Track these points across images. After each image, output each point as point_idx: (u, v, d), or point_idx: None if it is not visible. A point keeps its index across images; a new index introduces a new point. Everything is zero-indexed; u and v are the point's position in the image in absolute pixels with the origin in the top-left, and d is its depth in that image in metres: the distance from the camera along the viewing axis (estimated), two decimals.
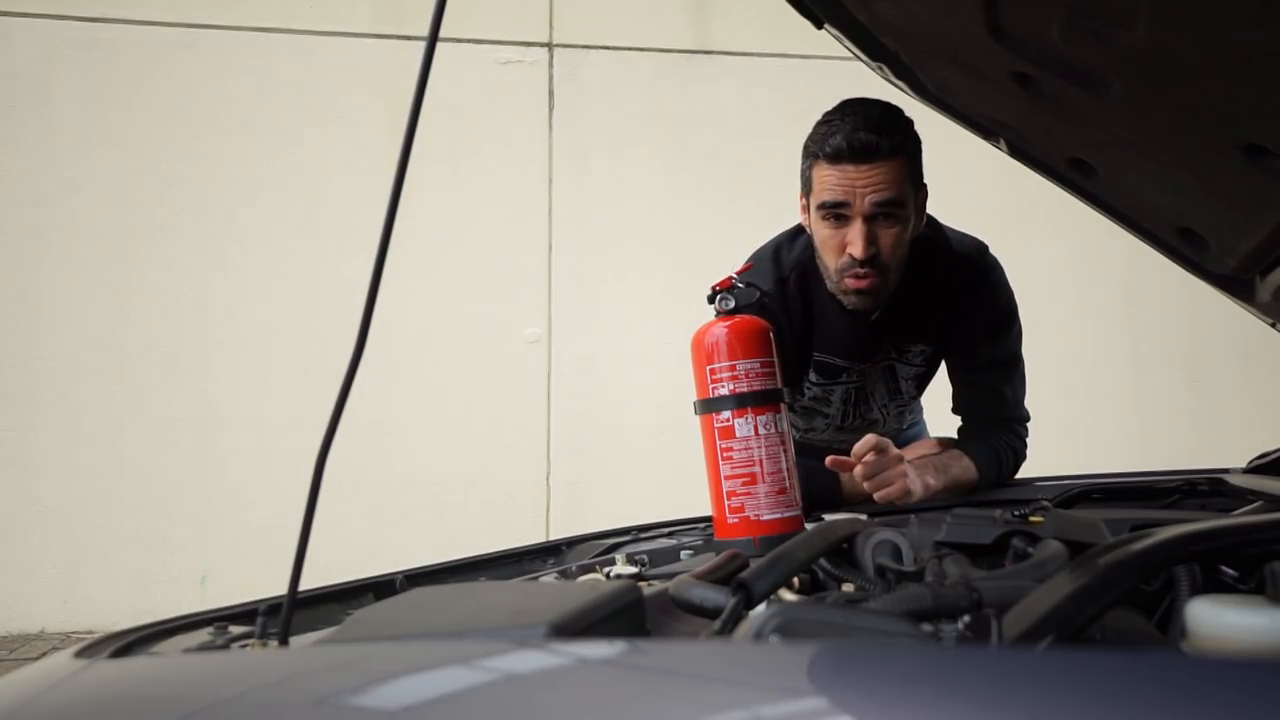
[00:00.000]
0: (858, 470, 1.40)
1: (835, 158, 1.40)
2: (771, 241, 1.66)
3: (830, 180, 1.42)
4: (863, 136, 1.38)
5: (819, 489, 1.47)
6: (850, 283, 1.47)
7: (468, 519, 4.13)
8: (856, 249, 1.42)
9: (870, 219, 1.42)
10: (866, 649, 0.55)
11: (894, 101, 1.41)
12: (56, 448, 4.02)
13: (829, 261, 1.49)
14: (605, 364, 4.37)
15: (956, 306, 1.59)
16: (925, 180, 1.51)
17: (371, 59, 4.36)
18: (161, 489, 4.04)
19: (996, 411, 1.62)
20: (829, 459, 1.41)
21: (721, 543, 1.20)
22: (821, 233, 1.48)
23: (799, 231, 1.62)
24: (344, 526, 3.72)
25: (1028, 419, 1.66)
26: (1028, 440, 1.64)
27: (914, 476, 1.42)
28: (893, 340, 1.63)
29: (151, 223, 4.16)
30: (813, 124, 1.48)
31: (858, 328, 1.58)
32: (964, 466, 1.52)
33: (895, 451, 1.42)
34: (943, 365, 1.72)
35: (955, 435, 1.65)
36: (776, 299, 1.56)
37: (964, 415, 1.67)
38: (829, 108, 1.47)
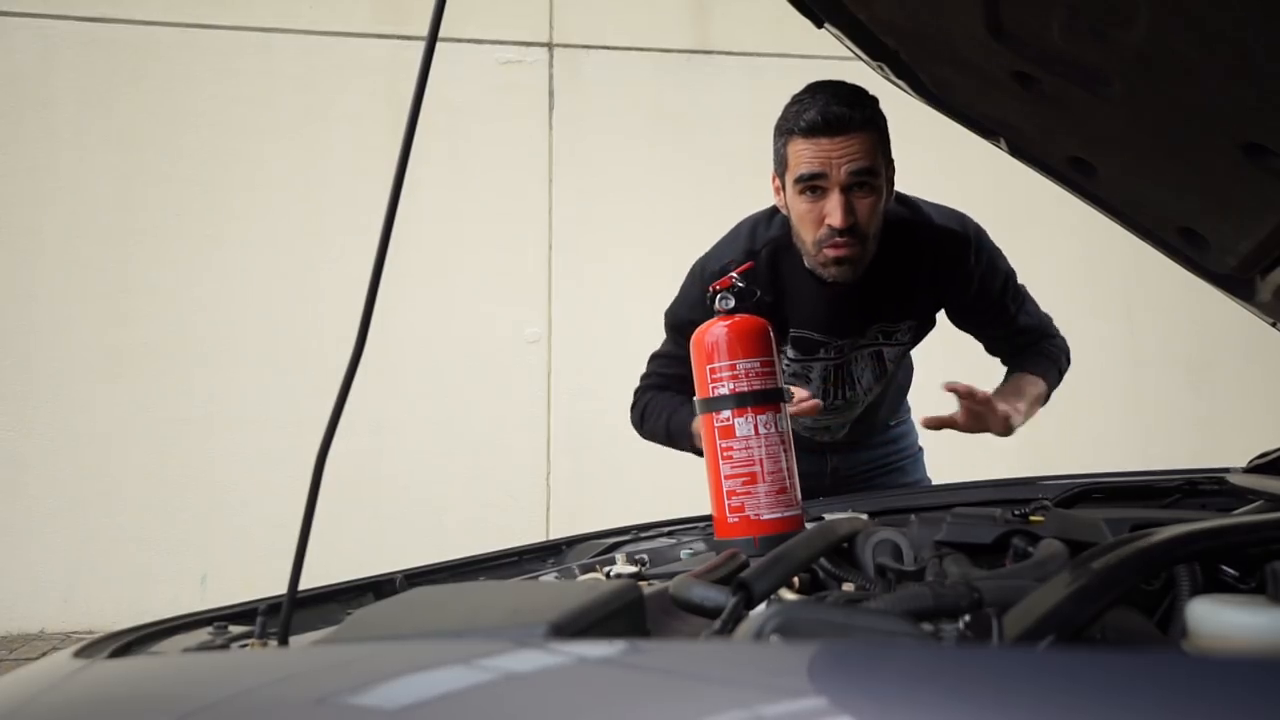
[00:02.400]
0: (959, 416, 1.53)
1: (810, 131, 1.44)
2: (749, 218, 1.71)
3: (807, 153, 1.46)
4: (836, 110, 1.43)
5: (676, 426, 1.68)
6: (829, 252, 1.51)
7: (468, 519, 4.12)
8: (835, 219, 1.46)
9: (847, 189, 1.46)
10: (866, 649, 0.55)
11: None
12: (56, 448, 4.02)
13: (807, 235, 1.53)
14: (605, 364, 4.36)
15: (960, 283, 1.65)
16: (893, 158, 1.55)
17: (372, 58, 4.36)
18: (161, 489, 4.04)
19: (1029, 339, 1.76)
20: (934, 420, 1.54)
21: (721, 542, 1.20)
22: (799, 207, 1.51)
23: (775, 210, 1.65)
24: (344, 526, 3.73)
25: (1057, 330, 1.80)
26: (1068, 347, 1.79)
27: (1005, 407, 1.57)
28: (878, 323, 1.67)
29: (151, 223, 4.16)
30: None
31: (833, 301, 1.61)
32: (1031, 381, 1.67)
33: (981, 393, 1.54)
34: (928, 340, 1.78)
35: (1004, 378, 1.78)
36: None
37: (1004, 355, 1.79)
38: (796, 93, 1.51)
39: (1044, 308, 1.82)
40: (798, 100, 1.49)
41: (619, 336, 4.37)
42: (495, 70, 4.45)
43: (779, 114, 1.53)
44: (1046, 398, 1.71)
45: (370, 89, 4.32)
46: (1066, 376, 1.80)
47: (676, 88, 4.58)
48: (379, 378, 4.02)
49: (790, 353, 1.69)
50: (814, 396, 1.75)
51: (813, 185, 1.47)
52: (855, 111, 1.44)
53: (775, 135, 1.53)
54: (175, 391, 4.09)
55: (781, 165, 1.53)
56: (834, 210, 1.46)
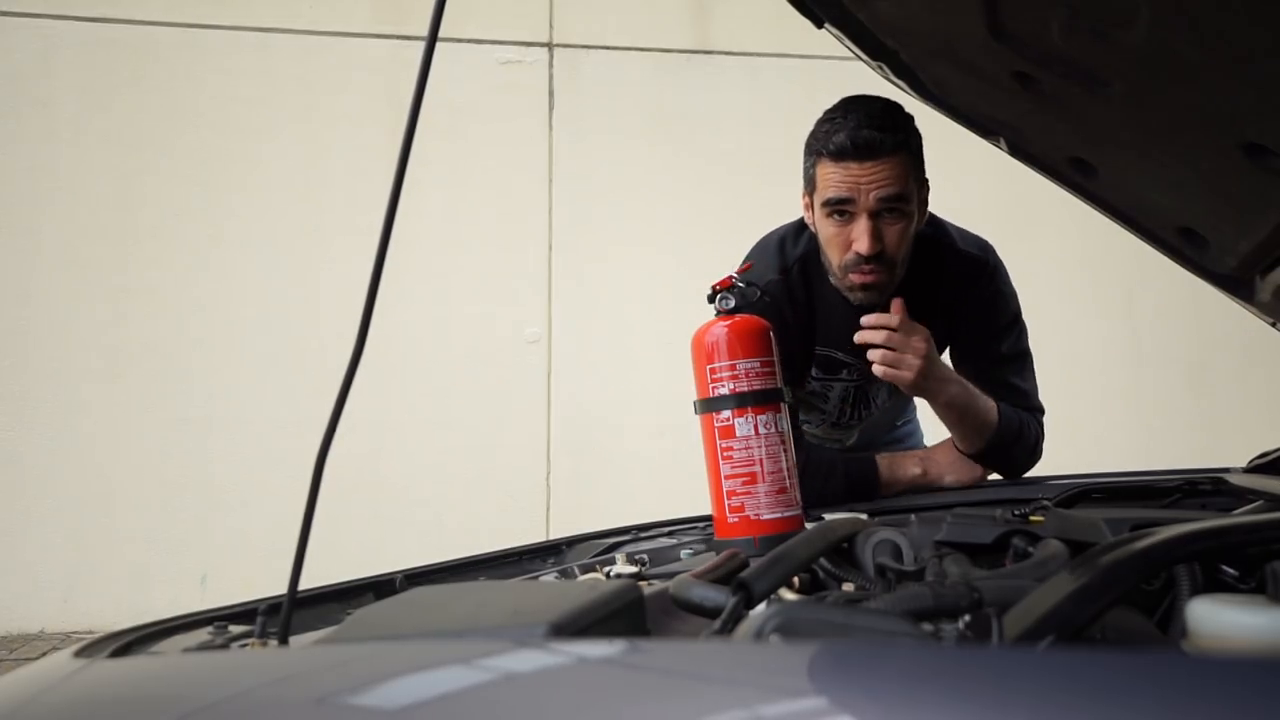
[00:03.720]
0: (875, 337, 1.43)
1: (839, 155, 1.40)
2: (776, 233, 1.66)
3: (834, 178, 1.42)
4: (866, 134, 1.38)
5: (859, 477, 1.50)
6: (855, 278, 1.47)
7: (468, 519, 4.12)
8: (862, 245, 1.42)
9: (875, 215, 1.42)
10: (866, 649, 0.55)
11: (894, 100, 1.41)
12: (56, 448, 4.02)
13: (833, 258, 1.49)
14: (605, 364, 4.37)
15: (964, 307, 1.59)
16: (926, 176, 1.51)
17: (372, 59, 4.36)
18: (161, 489, 4.04)
19: (1009, 398, 1.60)
20: (858, 336, 1.45)
21: (721, 542, 1.20)
22: (826, 230, 1.48)
23: (804, 225, 1.61)
24: (344, 527, 3.72)
25: (1042, 411, 1.65)
26: (1043, 432, 1.63)
27: (926, 368, 1.44)
28: None
29: (151, 223, 4.16)
30: (813, 123, 1.48)
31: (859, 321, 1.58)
32: (988, 404, 1.52)
33: (919, 339, 1.43)
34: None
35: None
36: (780, 288, 1.55)
37: None
38: (829, 106, 1.47)
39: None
40: (829, 119, 1.44)
41: (619, 336, 4.38)
42: (495, 70, 4.45)
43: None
44: (988, 427, 1.51)
45: (370, 89, 4.32)
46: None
47: (676, 88, 4.58)
48: (379, 378, 4.02)
49: (814, 370, 1.65)
50: (830, 415, 1.72)
51: (840, 209, 1.43)
52: (887, 135, 1.39)
53: (805, 153, 1.49)
54: (175, 391, 4.09)
55: (810, 185, 1.49)
56: (861, 236, 1.42)
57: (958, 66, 1.10)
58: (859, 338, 1.45)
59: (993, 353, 1.61)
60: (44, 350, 4.05)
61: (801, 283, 1.57)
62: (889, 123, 1.40)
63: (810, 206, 1.52)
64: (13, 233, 4.08)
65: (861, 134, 1.38)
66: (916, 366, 1.43)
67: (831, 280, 1.54)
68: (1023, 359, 1.64)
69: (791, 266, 1.58)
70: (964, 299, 1.58)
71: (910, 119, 1.44)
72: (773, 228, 1.69)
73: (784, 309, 1.53)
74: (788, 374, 1.60)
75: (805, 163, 1.50)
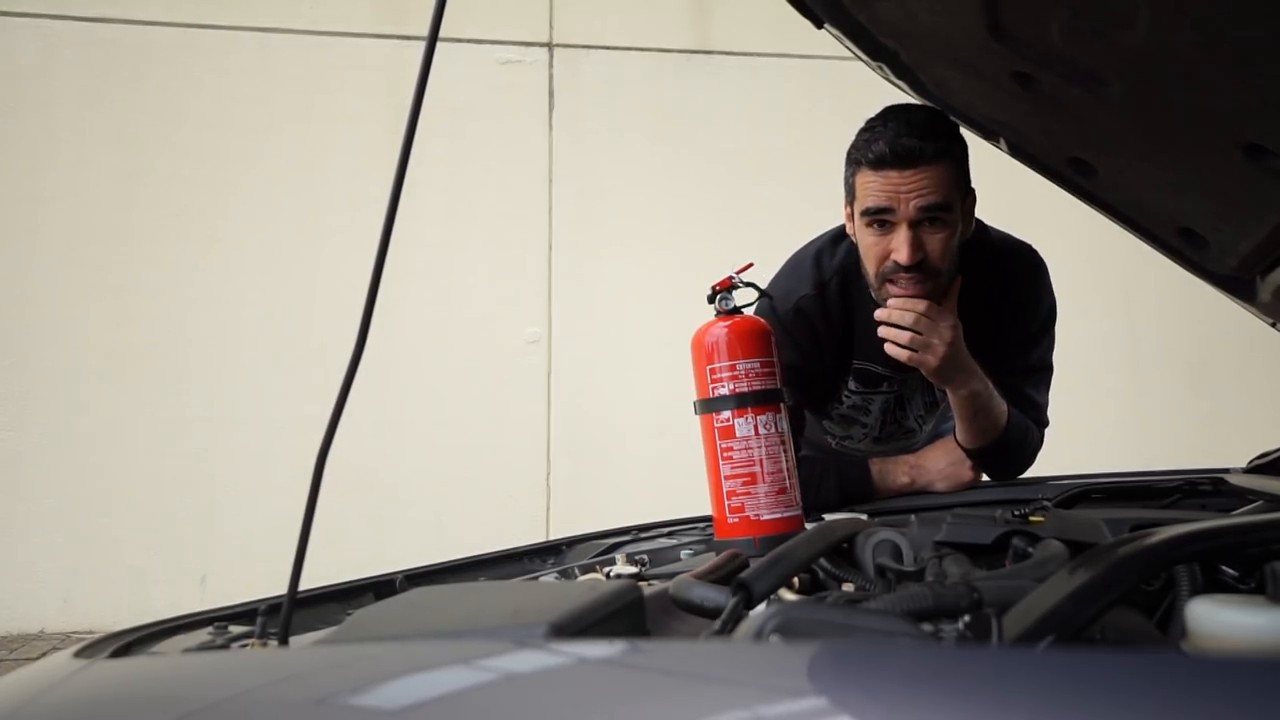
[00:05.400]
0: (903, 319, 1.39)
1: (878, 164, 1.37)
2: (812, 245, 1.63)
3: (874, 186, 1.39)
4: (906, 142, 1.35)
5: (852, 482, 1.49)
6: (894, 289, 1.43)
7: (468, 519, 4.13)
8: (902, 255, 1.39)
9: (915, 224, 1.38)
10: (866, 649, 0.55)
11: (937, 109, 1.40)
12: (56, 448, 4.02)
13: (871, 268, 1.46)
14: (605, 364, 4.37)
15: (1004, 306, 1.56)
16: (972, 186, 1.48)
17: (372, 59, 4.36)
18: (161, 489, 4.04)
19: (1018, 406, 1.59)
20: (878, 313, 1.41)
21: (721, 543, 1.20)
22: (866, 239, 1.44)
23: (840, 236, 1.59)
24: (344, 526, 3.72)
25: (1047, 424, 1.65)
26: (1042, 443, 1.62)
27: (951, 355, 1.40)
28: None
29: (151, 223, 4.16)
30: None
31: None
32: (1002, 406, 1.50)
33: (947, 325, 1.39)
34: None
35: None
36: (815, 303, 1.54)
37: None
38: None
39: None
40: (869, 127, 1.41)
41: (619, 336, 4.38)
42: (495, 70, 4.45)
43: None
44: (996, 428, 1.50)
45: (370, 89, 4.32)
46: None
47: (676, 88, 4.57)
48: (379, 378, 4.02)
49: (852, 384, 1.62)
50: (872, 429, 1.70)
51: (880, 219, 1.40)
52: (928, 143, 1.35)
53: (846, 163, 1.46)
54: (175, 391, 4.09)
55: (850, 195, 1.47)
56: (900, 246, 1.38)
57: (958, 66, 1.10)
58: (879, 314, 1.41)
59: (1019, 362, 1.59)
60: (44, 350, 4.05)
61: (839, 296, 1.54)
62: (930, 130, 1.36)
63: (851, 217, 1.49)
64: (13, 233, 4.08)
65: (901, 142, 1.35)
66: (942, 352, 1.39)
67: (871, 293, 1.51)
68: (1045, 373, 1.63)
69: (829, 280, 1.55)
70: (1004, 293, 1.55)
71: (954, 127, 1.40)
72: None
73: (816, 324, 1.52)
74: (820, 388, 1.61)
75: (845, 172, 1.47)
